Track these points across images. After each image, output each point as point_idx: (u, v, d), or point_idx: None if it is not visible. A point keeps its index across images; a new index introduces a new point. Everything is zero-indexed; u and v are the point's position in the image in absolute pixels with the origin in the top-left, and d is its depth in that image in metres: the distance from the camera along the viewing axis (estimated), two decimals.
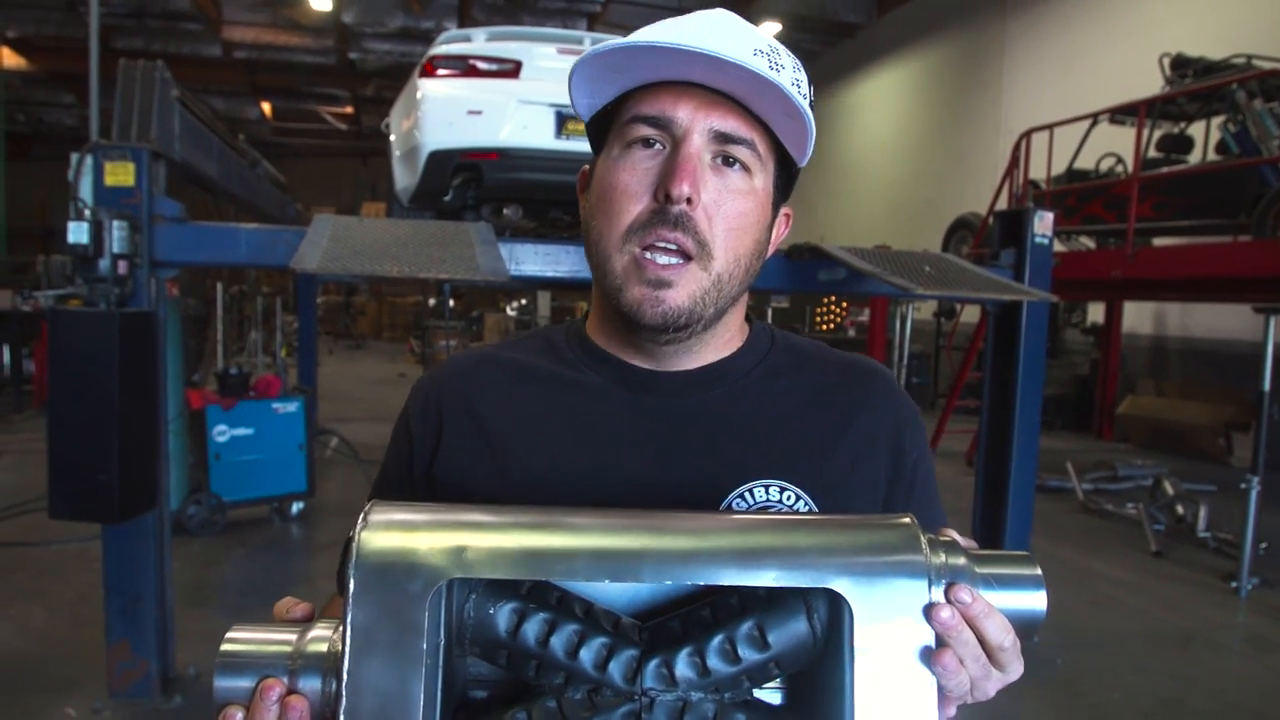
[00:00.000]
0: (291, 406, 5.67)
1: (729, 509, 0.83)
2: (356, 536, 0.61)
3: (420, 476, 0.91)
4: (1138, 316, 10.09)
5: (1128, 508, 6.22)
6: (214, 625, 3.94)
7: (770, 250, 0.90)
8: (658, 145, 0.81)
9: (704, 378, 0.89)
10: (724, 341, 0.91)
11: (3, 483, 6.41)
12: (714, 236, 0.80)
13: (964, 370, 8.00)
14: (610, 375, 0.90)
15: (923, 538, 0.64)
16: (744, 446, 0.87)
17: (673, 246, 0.79)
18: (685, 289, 0.80)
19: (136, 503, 2.97)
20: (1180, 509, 5.86)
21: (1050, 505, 6.56)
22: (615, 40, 0.77)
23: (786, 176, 0.88)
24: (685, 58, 0.75)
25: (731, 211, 0.81)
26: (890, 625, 0.62)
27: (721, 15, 0.81)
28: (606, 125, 0.86)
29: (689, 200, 0.78)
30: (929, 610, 0.62)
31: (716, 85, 0.79)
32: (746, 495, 0.84)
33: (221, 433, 5.37)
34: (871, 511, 0.87)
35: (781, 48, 0.80)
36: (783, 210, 0.91)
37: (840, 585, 0.61)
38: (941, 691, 0.63)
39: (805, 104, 0.78)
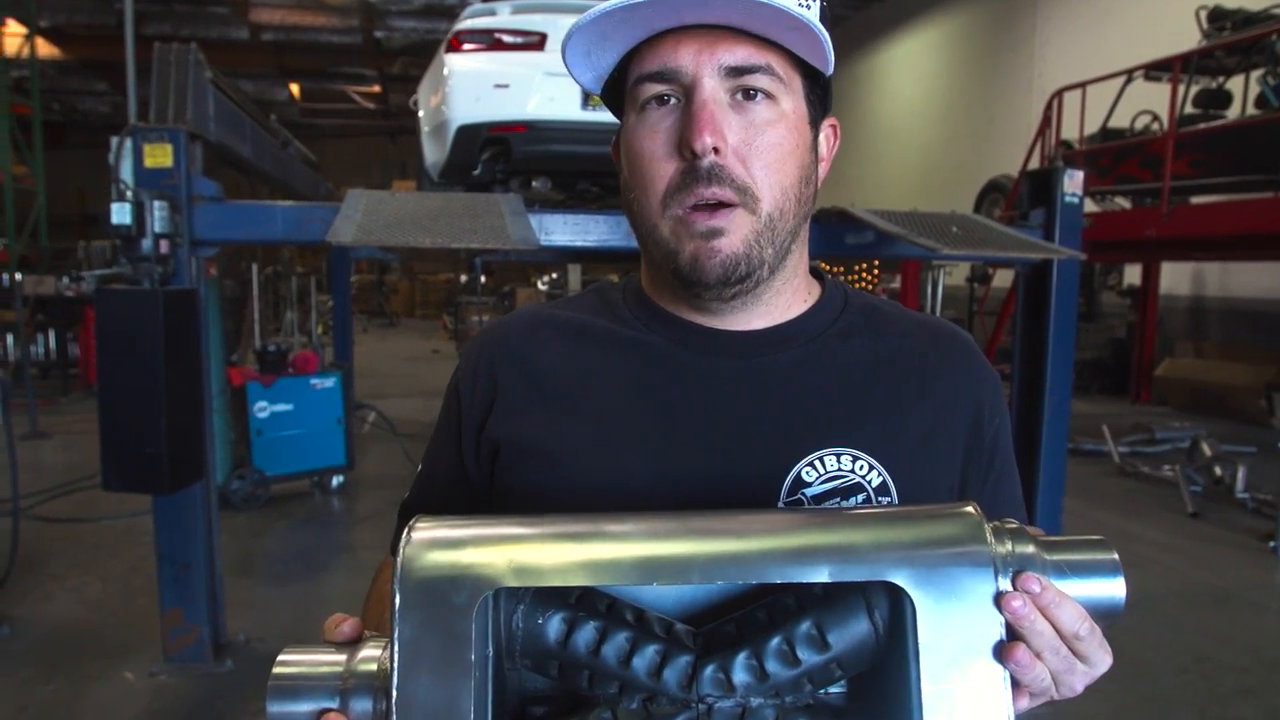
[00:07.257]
0: (329, 382, 5.78)
1: (793, 500, 0.79)
2: (400, 552, 0.60)
3: (470, 439, 0.88)
4: (1175, 277, 9.92)
5: (1164, 470, 6.17)
6: (261, 594, 4.08)
7: (824, 170, 0.85)
8: (672, 100, 0.76)
9: (773, 339, 0.84)
10: (791, 295, 0.86)
11: (52, 462, 6.61)
12: (754, 177, 0.75)
13: (996, 334, 7.95)
14: (672, 335, 0.85)
15: (986, 526, 0.61)
16: (814, 412, 0.81)
17: (713, 201, 0.75)
18: (738, 233, 0.76)
19: (185, 474, 3.07)
20: (1218, 470, 5.80)
21: (1086, 469, 6.52)
22: (590, 10, 0.72)
23: (818, 89, 0.82)
24: (666, 3, 0.70)
25: (765, 145, 0.76)
26: (956, 618, 0.58)
27: None
28: (619, 92, 0.81)
29: (716, 150, 0.74)
30: (999, 599, 0.58)
31: (708, 21, 0.73)
32: (816, 464, 0.79)
33: (262, 409, 5.49)
34: (945, 483, 0.83)
35: None
36: (826, 122, 0.85)
37: (900, 578, 0.58)
38: (1019, 686, 0.60)
39: (805, 12, 0.71)
